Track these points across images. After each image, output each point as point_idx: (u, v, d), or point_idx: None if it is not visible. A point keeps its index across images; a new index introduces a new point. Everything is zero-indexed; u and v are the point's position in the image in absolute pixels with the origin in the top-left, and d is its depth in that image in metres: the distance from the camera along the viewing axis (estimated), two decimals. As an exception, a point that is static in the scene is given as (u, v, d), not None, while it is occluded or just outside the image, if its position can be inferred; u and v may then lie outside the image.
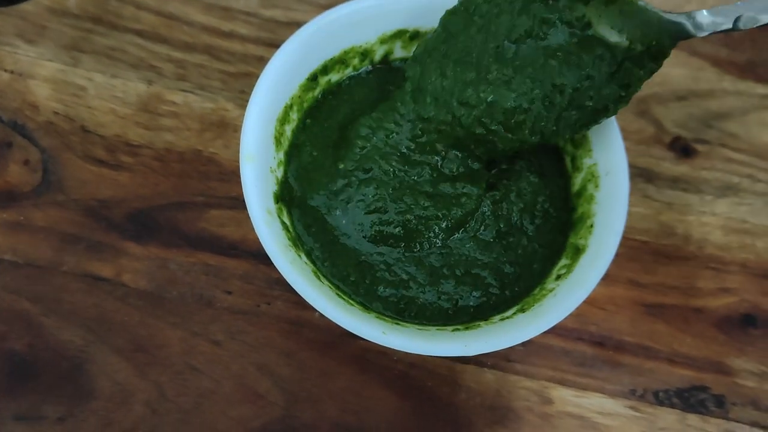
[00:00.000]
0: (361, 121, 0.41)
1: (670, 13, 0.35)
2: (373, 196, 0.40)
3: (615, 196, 0.39)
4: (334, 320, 0.34)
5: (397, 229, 0.39)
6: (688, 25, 0.34)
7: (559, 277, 0.39)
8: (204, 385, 0.41)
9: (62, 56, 0.48)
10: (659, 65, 0.37)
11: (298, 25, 0.41)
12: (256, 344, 0.42)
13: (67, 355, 0.41)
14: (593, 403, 0.42)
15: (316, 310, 0.34)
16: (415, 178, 0.40)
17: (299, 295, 0.35)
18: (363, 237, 0.39)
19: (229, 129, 0.47)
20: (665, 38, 0.35)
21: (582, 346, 0.44)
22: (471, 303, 0.39)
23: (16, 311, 0.42)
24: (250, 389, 0.41)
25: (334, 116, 0.42)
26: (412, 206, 0.40)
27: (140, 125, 0.47)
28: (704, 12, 0.34)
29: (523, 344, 0.35)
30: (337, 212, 0.40)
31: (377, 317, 0.37)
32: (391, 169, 0.40)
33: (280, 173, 0.40)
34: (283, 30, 0.50)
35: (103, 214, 0.44)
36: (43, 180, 0.45)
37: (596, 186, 0.40)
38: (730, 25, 0.34)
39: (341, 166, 0.40)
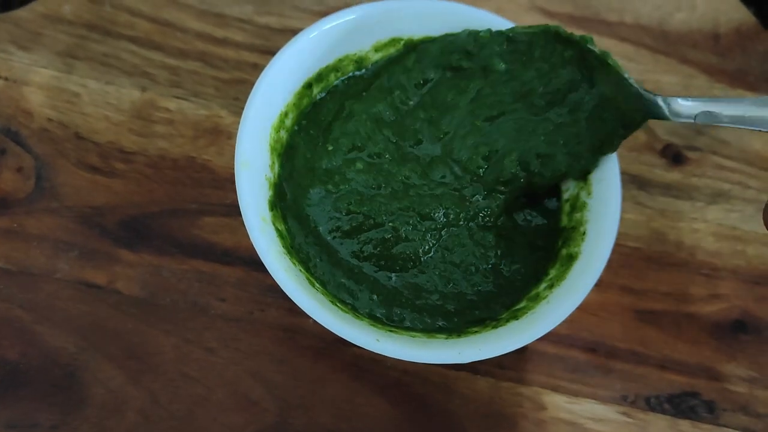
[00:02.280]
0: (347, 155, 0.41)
1: (648, 92, 0.37)
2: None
3: (607, 203, 0.39)
4: (328, 327, 0.34)
5: (377, 249, 0.40)
6: (664, 109, 0.36)
7: (552, 285, 0.39)
8: (197, 392, 0.41)
9: (56, 63, 0.48)
10: (629, 133, 0.39)
11: (292, 32, 0.41)
12: (250, 351, 0.42)
13: (59, 362, 0.41)
14: (585, 409, 0.43)
15: (309, 318, 0.34)
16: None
17: (292, 303, 0.35)
18: (348, 252, 0.40)
19: (222, 136, 0.47)
20: (638, 114, 0.38)
21: (574, 353, 0.44)
22: (451, 308, 0.39)
23: (9, 319, 0.42)
24: (244, 396, 0.41)
25: (326, 118, 0.42)
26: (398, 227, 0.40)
27: (134, 132, 0.47)
28: (679, 100, 0.36)
29: (517, 351, 0.36)
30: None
31: (371, 324, 0.37)
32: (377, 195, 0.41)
33: (273, 177, 0.39)
34: (277, 37, 0.50)
35: (96, 221, 0.44)
36: (36, 187, 0.45)
37: (589, 193, 0.41)
38: (694, 119, 0.36)
39: (323, 189, 0.40)
